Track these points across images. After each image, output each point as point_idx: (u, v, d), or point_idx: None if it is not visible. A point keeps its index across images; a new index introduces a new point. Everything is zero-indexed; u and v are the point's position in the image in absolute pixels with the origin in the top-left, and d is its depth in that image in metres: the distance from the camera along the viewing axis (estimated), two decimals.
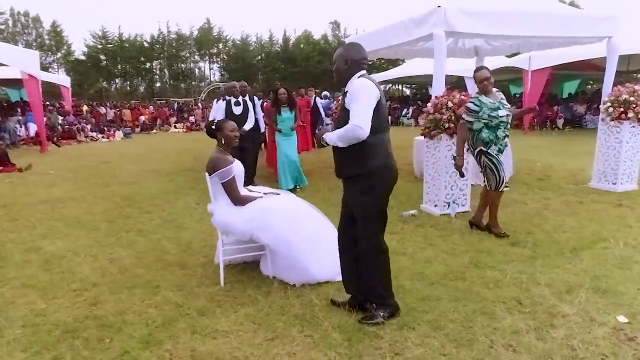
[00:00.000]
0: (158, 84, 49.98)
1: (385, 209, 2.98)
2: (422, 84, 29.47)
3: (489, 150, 4.41)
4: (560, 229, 4.74)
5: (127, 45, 44.85)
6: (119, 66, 46.19)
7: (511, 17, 5.76)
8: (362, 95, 2.64)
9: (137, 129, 20.64)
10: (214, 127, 3.64)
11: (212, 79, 49.05)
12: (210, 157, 3.56)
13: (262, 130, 7.59)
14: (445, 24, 5.47)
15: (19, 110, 16.33)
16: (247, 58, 47.25)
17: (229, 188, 3.47)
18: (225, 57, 48.91)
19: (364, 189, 2.79)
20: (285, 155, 6.70)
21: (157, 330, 2.80)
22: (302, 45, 47.63)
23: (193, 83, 50.09)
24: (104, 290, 3.39)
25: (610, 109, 6.36)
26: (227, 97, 6.83)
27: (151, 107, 25.53)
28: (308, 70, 43.41)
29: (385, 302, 2.91)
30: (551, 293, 3.25)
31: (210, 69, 50.95)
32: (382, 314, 2.86)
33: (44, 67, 40.38)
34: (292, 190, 6.46)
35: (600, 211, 5.37)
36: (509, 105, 4.50)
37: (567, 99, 20.56)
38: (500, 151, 4.46)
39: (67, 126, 15.88)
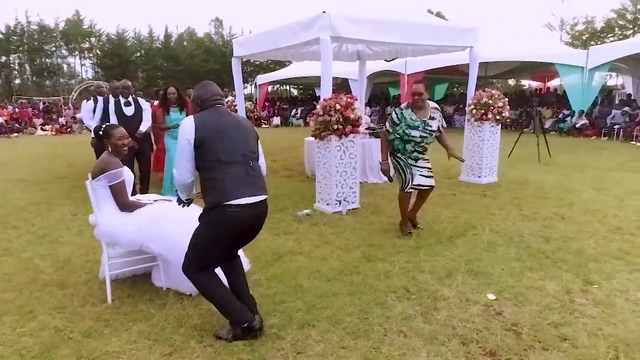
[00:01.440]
0: (18, 81, 44.33)
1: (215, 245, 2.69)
2: (308, 85, 30.24)
3: (397, 154, 4.64)
4: (438, 219, 5.23)
5: None
6: None
7: (388, 25, 6.21)
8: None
9: None
10: (101, 132, 3.37)
11: (84, 76, 44.91)
12: (99, 160, 3.34)
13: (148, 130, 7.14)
14: (330, 29, 5.70)
15: None
16: (125, 54, 44.04)
17: (118, 192, 3.24)
18: (99, 52, 45.05)
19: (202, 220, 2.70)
20: (172, 158, 6.34)
21: None
22: (185, 43, 45.78)
23: (61, 80, 45.32)
24: None
25: (474, 111, 7.18)
26: (102, 97, 6.33)
27: (10, 106, 22.51)
28: (192, 69, 41.85)
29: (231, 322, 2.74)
30: (434, 279, 3.58)
31: (81, 65, 46.59)
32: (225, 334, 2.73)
33: None
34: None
35: (469, 202, 6.04)
36: (434, 126, 4.53)
37: (438, 101, 22.70)
38: (410, 158, 4.58)
39: None
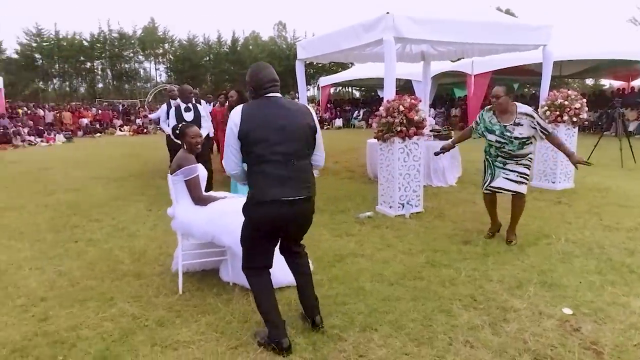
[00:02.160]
0: (100, 85, 47.87)
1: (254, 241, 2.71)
2: (371, 87, 30.09)
3: (484, 154, 4.53)
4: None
5: (64, 44, 42.61)
6: (57, 65, 43.81)
7: (454, 24, 6.03)
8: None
9: (80, 133, 19.63)
10: (177, 131, 3.59)
11: (158, 80, 47.60)
12: (176, 157, 3.54)
13: (211, 134, 7.44)
14: (394, 29, 5.63)
15: None
16: (195, 59, 46.22)
17: (193, 186, 3.43)
18: (172, 57, 47.60)
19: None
20: None
21: (115, 344, 2.70)
22: (250, 47, 47.23)
23: (138, 84, 48.35)
24: (54, 304, 3.22)
25: (548, 112, 6.79)
26: (174, 101, 6.69)
27: (94, 109, 24.37)
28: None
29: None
30: (503, 289, 3.43)
31: (156, 70, 49.44)
32: (259, 337, 2.71)
33: None
34: None
35: (542, 209, 5.71)
36: (518, 132, 4.18)
37: None
38: (497, 161, 4.40)
39: (0, 130, 14.85)
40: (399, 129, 5.35)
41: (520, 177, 4.35)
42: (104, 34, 44.45)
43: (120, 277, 3.72)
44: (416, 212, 5.59)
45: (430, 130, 7.54)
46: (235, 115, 2.50)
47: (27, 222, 5.44)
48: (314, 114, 2.70)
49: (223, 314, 3.08)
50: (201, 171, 3.54)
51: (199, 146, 3.57)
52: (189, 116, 6.52)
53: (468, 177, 7.81)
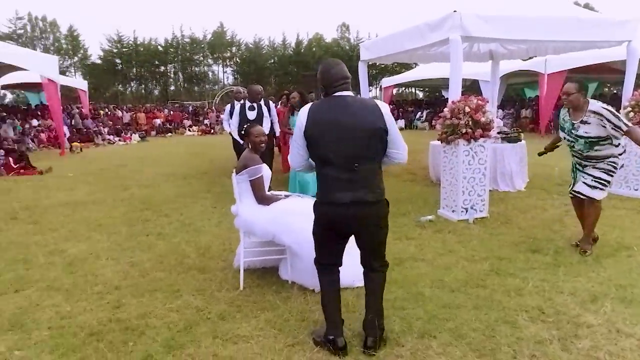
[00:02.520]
0: (172, 88, 50.54)
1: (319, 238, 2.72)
2: (435, 87, 29.37)
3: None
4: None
5: (142, 49, 45.50)
6: (134, 70, 46.84)
7: (527, 21, 5.72)
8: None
9: (153, 132, 20.84)
10: (243, 132, 3.71)
11: (225, 82, 49.45)
12: (242, 156, 3.65)
13: (277, 134, 7.60)
14: (461, 28, 5.44)
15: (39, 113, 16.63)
16: (260, 61, 47.59)
17: (257, 186, 3.52)
18: (238, 60, 49.29)
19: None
20: None
21: (179, 334, 2.83)
22: (314, 49, 47.81)
23: (207, 86, 50.56)
24: (126, 293, 3.43)
25: (631, 114, 6.27)
26: (239, 102, 6.89)
27: (166, 110, 25.79)
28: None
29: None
30: (575, 302, 3.21)
31: (223, 72, 51.43)
32: (316, 336, 2.74)
33: (61, 71, 41.08)
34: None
35: (622, 218, 5.29)
36: (583, 131, 3.98)
37: None
38: (577, 163, 4.25)
39: (85, 129, 16.12)
40: (464, 130, 5.17)
41: (596, 181, 4.07)
42: (176, 39, 46.99)
43: (186, 271, 3.90)
44: (480, 218, 5.38)
45: (498, 133, 7.22)
46: (302, 115, 2.51)
47: (105, 215, 5.86)
48: (384, 110, 2.50)
49: (281, 311, 3.13)
50: (265, 171, 3.62)
51: (263, 145, 3.66)
52: (252, 115, 6.71)
53: (538, 182, 7.39)
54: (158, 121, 22.14)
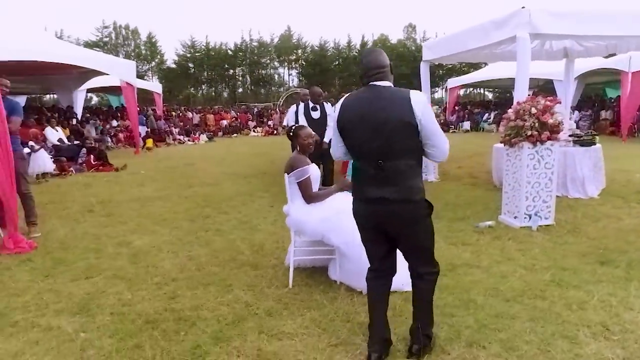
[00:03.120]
0: (240, 90, 52.29)
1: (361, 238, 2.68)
2: (505, 88, 28.08)
3: None
4: None
5: (213, 54, 47.49)
6: (205, 73, 48.97)
7: (603, 16, 5.33)
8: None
9: (220, 133, 21.73)
10: (291, 133, 3.77)
11: (290, 85, 50.39)
12: (290, 158, 3.70)
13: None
14: (529, 25, 5.19)
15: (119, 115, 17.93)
16: (324, 63, 47.97)
17: (304, 187, 3.56)
18: (303, 62, 50.04)
19: None
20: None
21: (227, 327, 2.93)
22: None
23: (272, 88, 51.81)
24: (182, 285, 3.61)
25: None
26: (303, 103, 6.99)
27: (232, 111, 26.80)
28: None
29: None
30: None
31: (289, 75, 52.42)
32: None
33: (140, 75, 44.03)
34: None
35: None
36: None
37: None
38: None
39: (157, 130, 17.16)
40: (529, 133, 4.91)
41: None
42: (245, 43, 48.53)
43: (239, 266, 4.03)
44: (545, 225, 5.07)
45: (570, 135, 6.78)
46: (338, 106, 2.49)
47: (169, 210, 6.20)
48: (416, 100, 2.25)
49: (327, 311, 3.14)
50: (314, 172, 3.66)
51: (311, 147, 3.69)
52: (316, 114, 6.79)
53: (615, 189, 6.84)
54: (225, 122, 23.05)
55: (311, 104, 6.77)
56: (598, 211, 5.70)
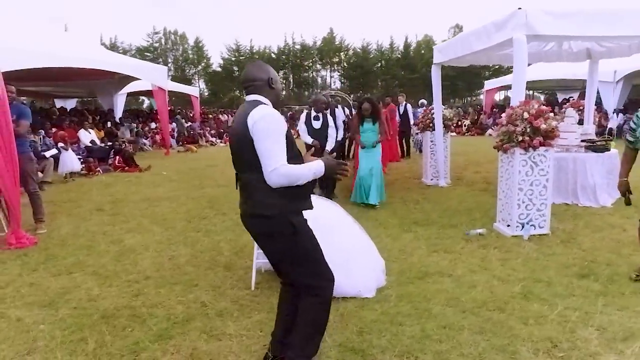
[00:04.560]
0: (284, 92, 53.04)
1: None
2: (550, 88, 26.86)
3: None
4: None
5: (257, 57, 48.49)
6: None
7: (606, 16, 5.04)
8: None
9: None
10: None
11: (332, 87, 50.56)
12: None
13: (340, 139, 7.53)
14: (525, 27, 4.99)
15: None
16: (367, 66, 47.80)
17: None
18: (346, 65, 50.09)
19: None
20: (362, 169, 6.55)
21: (175, 326, 3.05)
22: (422, 51, 46.70)
23: (317, 91, 52.21)
24: (151, 283, 3.77)
25: None
26: (307, 111, 7.05)
27: None
28: (427, 77, 42.28)
29: None
30: (601, 339, 2.78)
31: (330, 77, 52.64)
32: None
33: (187, 79, 45.77)
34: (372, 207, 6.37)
35: None
36: None
37: None
38: None
39: (191, 131, 17.77)
40: (520, 138, 4.74)
41: None
42: (288, 47, 49.25)
43: (213, 267, 4.15)
44: (539, 234, 4.87)
45: (582, 141, 6.44)
46: None
47: (172, 211, 6.44)
48: (253, 116, 2.14)
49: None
50: None
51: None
52: (317, 124, 6.81)
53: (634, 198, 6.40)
54: None
55: (313, 113, 6.81)
56: (604, 221, 5.39)
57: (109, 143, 11.76)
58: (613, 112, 16.31)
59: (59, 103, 20.01)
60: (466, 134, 20.38)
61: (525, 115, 4.75)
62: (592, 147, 6.30)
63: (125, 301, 3.44)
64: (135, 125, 16.28)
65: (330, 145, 6.62)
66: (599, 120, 16.16)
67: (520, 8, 5.01)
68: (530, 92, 37.15)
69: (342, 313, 3.21)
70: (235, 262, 4.29)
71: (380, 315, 3.19)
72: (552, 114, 4.84)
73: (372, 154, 6.50)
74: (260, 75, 2.32)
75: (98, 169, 9.88)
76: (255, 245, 3.74)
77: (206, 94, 48.93)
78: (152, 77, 12.90)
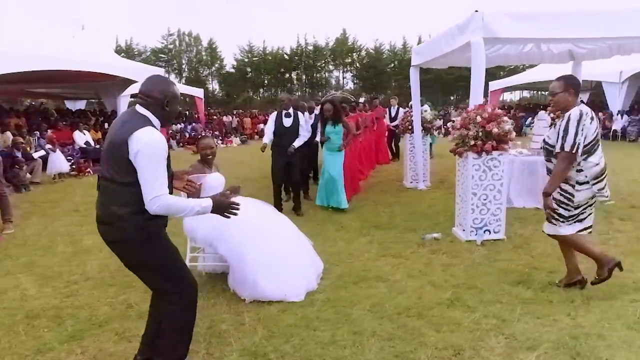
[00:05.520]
0: (298, 93, 53.21)
1: None
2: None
3: None
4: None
5: (269, 58, 48.75)
6: (262, 77, 50.36)
7: (567, 16, 4.95)
8: None
9: (256, 136, 22.25)
10: (195, 142, 3.91)
11: (345, 88, 50.49)
12: (190, 166, 3.86)
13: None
14: (483, 29, 4.93)
15: None
16: (380, 66, 47.63)
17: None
18: (358, 65, 49.98)
19: None
20: (325, 171, 6.49)
21: (92, 327, 3.11)
22: None
23: (331, 91, 52.20)
24: (88, 285, 3.86)
25: None
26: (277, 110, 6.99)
27: None
28: (441, 77, 41.89)
29: None
30: (505, 347, 2.75)
31: (343, 78, 52.56)
32: None
33: (201, 80, 46.25)
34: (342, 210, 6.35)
35: None
36: (545, 136, 3.51)
37: None
38: None
39: (193, 133, 18.00)
40: (472, 142, 4.69)
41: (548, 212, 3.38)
42: (301, 47, 49.35)
43: None
44: (494, 239, 4.80)
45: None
46: None
47: None
48: (139, 142, 2.13)
49: (198, 316, 3.22)
50: (210, 181, 3.76)
51: (210, 157, 3.82)
52: (287, 122, 6.66)
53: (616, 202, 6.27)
54: (262, 126, 23.58)
55: (284, 111, 6.73)
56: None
57: None
58: (617, 114, 15.91)
59: (69, 104, 20.53)
60: None
61: (478, 119, 4.70)
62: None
63: (56, 302, 3.52)
64: None
65: (297, 143, 6.44)
66: (603, 122, 15.80)
67: (477, 11, 4.96)
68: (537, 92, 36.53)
69: (260, 317, 3.24)
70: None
71: (299, 319, 3.20)
72: (505, 118, 4.76)
73: (334, 158, 6.39)
74: (154, 94, 2.26)
75: (88, 169, 10.08)
76: (188, 246, 3.81)
77: (220, 95, 49.43)
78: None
